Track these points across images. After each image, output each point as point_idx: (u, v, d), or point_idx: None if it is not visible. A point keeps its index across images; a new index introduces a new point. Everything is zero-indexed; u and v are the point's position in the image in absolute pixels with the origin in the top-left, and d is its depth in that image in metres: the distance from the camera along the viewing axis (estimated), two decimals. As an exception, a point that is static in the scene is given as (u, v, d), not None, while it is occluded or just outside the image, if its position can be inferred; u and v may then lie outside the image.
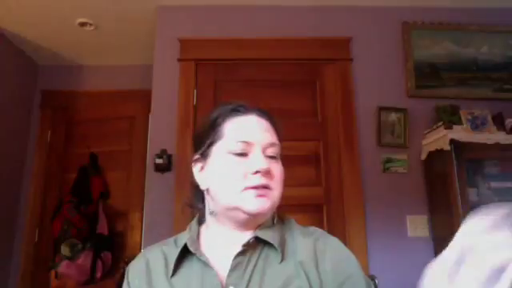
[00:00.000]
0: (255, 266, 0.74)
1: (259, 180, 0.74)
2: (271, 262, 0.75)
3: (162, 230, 2.04)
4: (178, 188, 2.10)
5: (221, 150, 0.78)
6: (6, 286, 2.76)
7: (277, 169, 0.78)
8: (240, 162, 0.76)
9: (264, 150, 0.77)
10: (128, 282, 0.79)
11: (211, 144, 0.79)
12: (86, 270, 2.53)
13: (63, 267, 2.51)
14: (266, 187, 0.75)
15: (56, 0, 2.38)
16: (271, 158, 0.78)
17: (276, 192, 0.77)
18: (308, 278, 0.72)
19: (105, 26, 2.65)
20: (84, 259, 2.53)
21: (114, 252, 2.69)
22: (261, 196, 0.74)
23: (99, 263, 2.57)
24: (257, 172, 0.75)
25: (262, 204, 0.74)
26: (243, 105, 0.83)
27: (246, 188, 0.74)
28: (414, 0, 2.43)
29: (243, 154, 0.76)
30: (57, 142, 3.03)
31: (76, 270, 2.52)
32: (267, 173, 0.75)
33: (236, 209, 0.76)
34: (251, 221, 0.77)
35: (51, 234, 2.66)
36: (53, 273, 2.57)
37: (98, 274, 2.56)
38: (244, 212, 0.75)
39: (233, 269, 0.73)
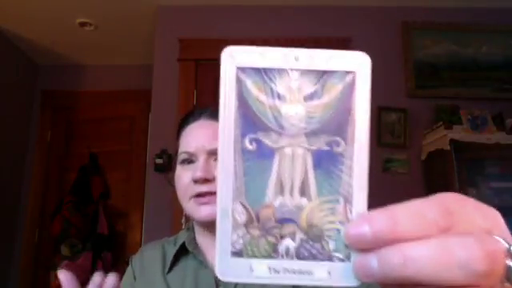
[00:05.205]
0: None
1: (198, 188, 0.73)
2: None
3: (162, 229, 2.04)
4: (178, 188, 2.10)
5: (177, 161, 0.79)
6: (6, 286, 2.76)
7: None
8: (186, 172, 0.75)
9: (209, 155, 0.74)
10: (132, 267, 0.84)
11: (175, 156, 0.81)
12: (86, 270, 2.53)
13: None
14: (211, 193, 0.72)
15: (56, 0, 2.38)
16: None
17: None
18: None
19: (105, 26, 2.65)
20: (84, 259, 2.53)
21: (114, 252, 2.69)
22: (204, 204, 0.73)
23: (99, 263, 2.57)
24: (195, 181, 0.73)
25: (207, 212, 0.72)
26: (194, 111, 0.82)
27: (190, 197, 0.74)
28: (414, 0, 2.44)
29: (190, 162, 0.76)
30: (57, 141, 3.03)
31: (76, 270, 2.52)
32: (206, 180, 0.72)
33: (191, 217, 0.76)
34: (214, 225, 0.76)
35: (51, 234, 2.66)
36: (53, 273, 2.57)
37: (98, 274, 2.56)
38: (197, 221, 0.76)
39: None
